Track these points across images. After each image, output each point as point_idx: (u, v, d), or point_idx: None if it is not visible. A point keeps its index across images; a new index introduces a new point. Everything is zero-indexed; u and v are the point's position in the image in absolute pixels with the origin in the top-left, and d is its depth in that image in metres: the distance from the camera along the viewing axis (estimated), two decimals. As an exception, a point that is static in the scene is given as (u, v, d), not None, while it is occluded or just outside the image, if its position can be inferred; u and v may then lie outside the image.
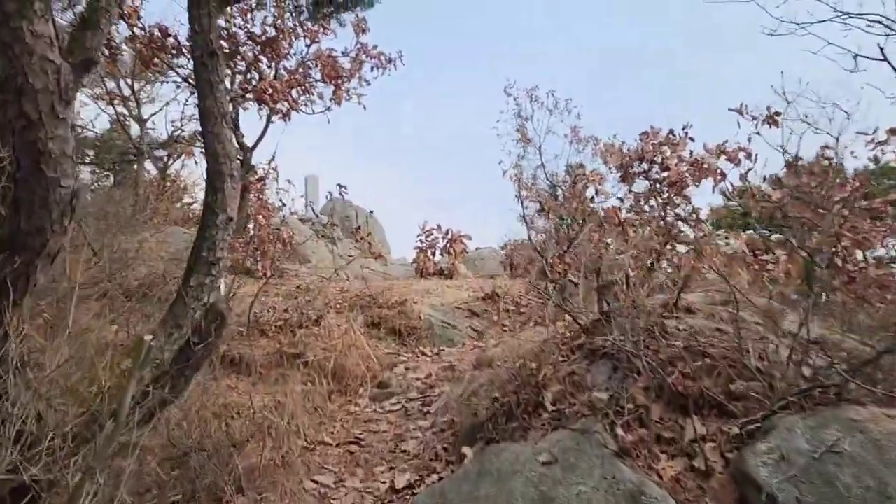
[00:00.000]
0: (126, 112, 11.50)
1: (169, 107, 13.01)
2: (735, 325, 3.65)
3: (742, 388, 3.24)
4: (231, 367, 4.84)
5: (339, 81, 10.04)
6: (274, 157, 15.98)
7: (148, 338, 2.34)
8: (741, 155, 7.04)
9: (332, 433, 4.37)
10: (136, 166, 11.87)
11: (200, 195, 17.21)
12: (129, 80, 10.84)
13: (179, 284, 3.83)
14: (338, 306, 6.29)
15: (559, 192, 17.81)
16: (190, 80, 8.92)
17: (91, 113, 14.22)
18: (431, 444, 3.94)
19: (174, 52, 8.03)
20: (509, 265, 11.77)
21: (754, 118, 6.33)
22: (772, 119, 5.93)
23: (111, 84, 10.66)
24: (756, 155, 6.75)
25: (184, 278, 3.83)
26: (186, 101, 12.35)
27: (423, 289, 8.26)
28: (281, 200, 16.96)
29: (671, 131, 8.56)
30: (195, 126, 16.41)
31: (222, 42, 8.42)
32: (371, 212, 16.06)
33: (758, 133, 6.07)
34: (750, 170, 6.85)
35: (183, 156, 13.70)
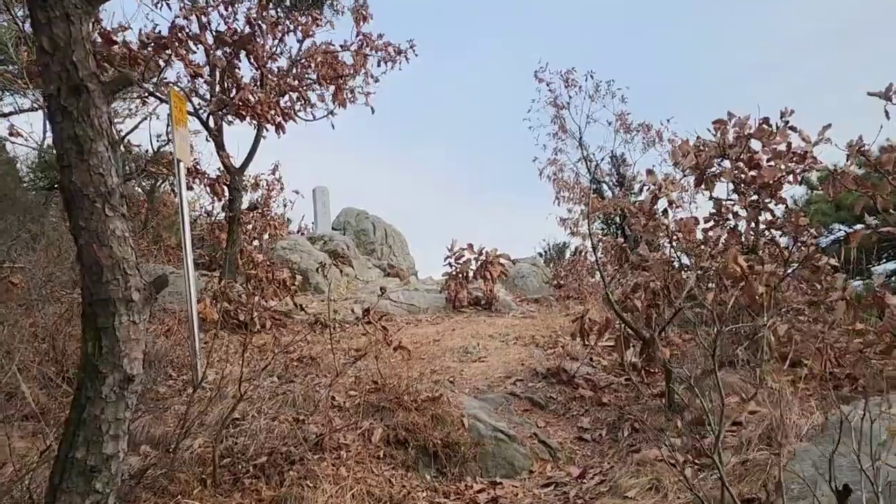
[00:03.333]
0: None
1: (151, 121, 11.37)
2: None
3: None
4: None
5: (341, 81, 8.26)
6: (277, 168, 14.63)
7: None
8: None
9: None
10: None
11: (195, 213, 15.64)
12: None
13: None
14: (347, 402, 4.63)
15: (605, 189, 15.90)
16: (155, 95, 7.22)
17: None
18: None
19: (123, 62, 6.35)
20: (556, 285, 9.97)
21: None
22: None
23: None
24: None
25: (47, 495, 2.14)
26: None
27: (457, 342, 6.52)
28: (287, 218, 15.49)
29: (765, 120, 6.63)
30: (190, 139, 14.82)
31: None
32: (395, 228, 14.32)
33: None
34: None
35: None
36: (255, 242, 13.65)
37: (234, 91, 6.96)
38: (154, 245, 11.93)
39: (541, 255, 14.59)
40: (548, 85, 13.99)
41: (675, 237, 6.26)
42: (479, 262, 9.17)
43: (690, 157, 6.75)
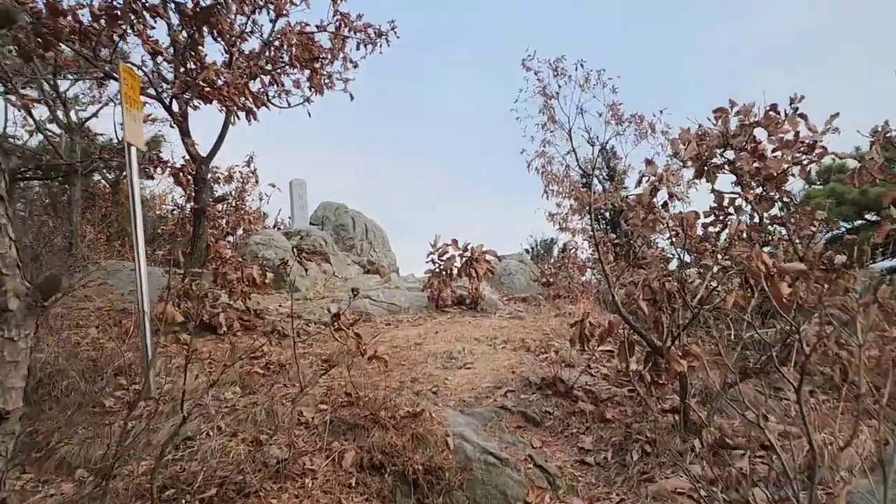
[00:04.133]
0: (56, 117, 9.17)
1: (115, 107, 10.65)
2: None
3: None
4: None
5: (317, 64, 7.67)
6: (252, 160, 13.97)
7: None
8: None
9: None
10: (74, 184, 9.52)
11: (167, 207, 14.95)
12: (50, 79, 8.47)
13: None
14: (316, 417, 4.07)
15: (596, 182, 15.39)
16: (104, 72, 6.53)
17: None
18: None
19: (73, 38, 5.71)
20: (545, 283, 9.48)
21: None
22: None
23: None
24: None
25: None
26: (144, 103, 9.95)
27: (441, 345, 5.99)
28: (262, 212, 14.84)
29: (773, 107, 6.16)
30: (153, 129, 14.07)
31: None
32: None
33: None
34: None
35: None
36: (229, 238, 13.06)
37: (198, 70, 6.33)
38: (117, 240, 11.25)
39: (528, 251, 14.09)
40: (536, 74, 13.47)
41: (675, 232, 5.78)
42: (463, 259, 8.64)
43: (692, 147, 6.26)
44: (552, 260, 10.59)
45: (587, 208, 12.93)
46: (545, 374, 4.64)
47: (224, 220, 12.85)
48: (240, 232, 12.77)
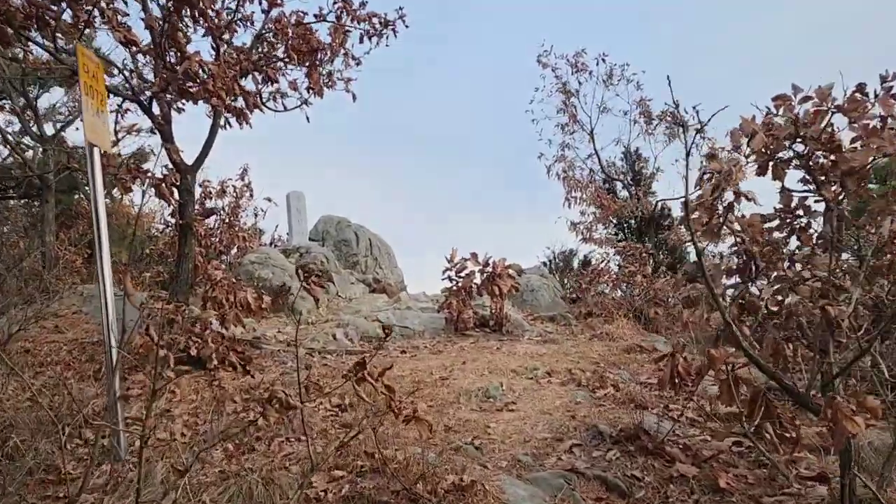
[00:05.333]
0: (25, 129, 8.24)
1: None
2: None
3: None
4: None
5: (315, 59, 6.78)
6: (246, 172, 13.04)
7: None
8: None
9: None
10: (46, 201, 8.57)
11: (159, 226, 13.99)
12: (15, 84, 7.55)
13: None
14: (330, 489, 3.12)
15: (621, 187, 14.40)
16: (56, 59, 5.58)
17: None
18: None
19: (29, 24, 4.80)
20: (573, 300, 8.53)
21: None
22: None
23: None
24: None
25: None
26: (120, 105, 8.99)
27: (472, 379, 5.04)
28: (258, 229, 13.89)
29: (860, 87, 5.28)
30: (141, 140, 13.15)
31: None
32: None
33: None
34: None
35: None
36: (224, 257, 12.10)
37: (179, 63, 5.42)
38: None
39: (545, 264, 13.12)
40: (553, 70, 12.52)
41: (741, 239, 4.84)
42: (484, 275, 7.70)
43: (759, 138, 5.32)
44: (580, 274, 9.62)
45: (614, 216, 12.02)
46: (614, 419, 3.68)
47: (217, 239, 11.90)
48: (234, 251, 11.81)
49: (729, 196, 5.28)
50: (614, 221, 12.93)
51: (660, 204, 12.62)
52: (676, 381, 3.17)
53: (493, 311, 7.48)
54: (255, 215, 13.23)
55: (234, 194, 12.50)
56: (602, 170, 12.51)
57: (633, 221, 12.39)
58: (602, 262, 9.58)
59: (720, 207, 5.13)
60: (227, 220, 12.41)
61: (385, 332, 2.91)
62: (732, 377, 3.14)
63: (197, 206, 11.95)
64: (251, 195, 12.62)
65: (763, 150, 5.44)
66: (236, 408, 4.63)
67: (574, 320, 7.95)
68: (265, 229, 14.09)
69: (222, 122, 7.16)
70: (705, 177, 5.48)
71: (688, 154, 3.59)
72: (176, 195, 6.76)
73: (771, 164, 5.57)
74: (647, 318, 7.63)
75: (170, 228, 12.76)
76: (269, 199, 12.71)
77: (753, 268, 4.54)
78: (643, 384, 4.58)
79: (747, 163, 5.80)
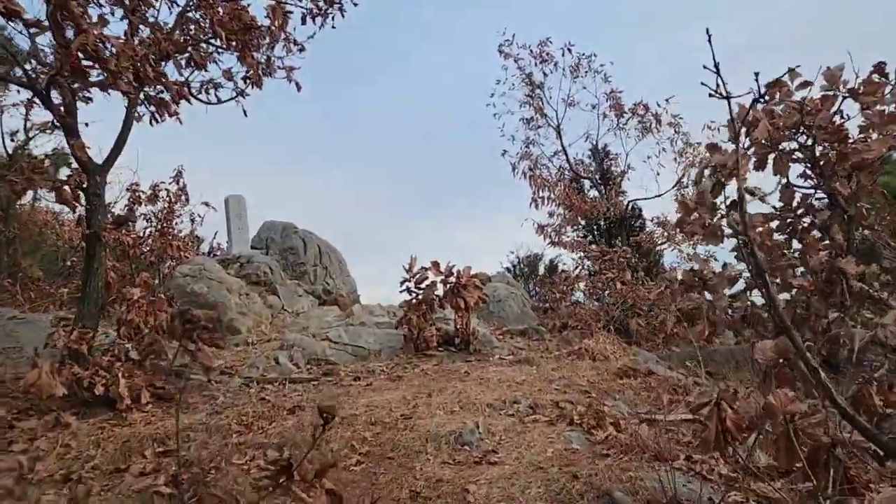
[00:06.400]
0: None
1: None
2: None
3: None
4: None
5: (249, 39, 5.85)
6: (181, 175, 11.86)
7: None
8: None
9: None
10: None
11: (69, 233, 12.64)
12: None
13: None
14: None
15: (589, 186, 13.76)
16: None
17: None
18: None
19: None
20: (543, 309, 7.79)
21: None
22: None
23: None
24: None
25: None
26: (31, 99, 7.78)
27: (440, 418, 4.20)
28: (196, 237, 12.73)
29: (879, 68, 4.76)
30: (55, 139, 11.87)
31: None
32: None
33: None
34: None
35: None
36: (157, 269, 10.91)
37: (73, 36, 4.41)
38: (9, 278, 9.02)
39: (509, 270, 12.37)
40: (516, 61, 11.78)
41: (744, 241, 4.13)
42: (447, 286, 6.88)
43: (762, 127, 4.64)
44: (551, 281, 8.87)
45: (583, 217, 11.30)
46: (630, 479, 2.90)
47: (148, 249, 10.70)
48: (167, 264, 10.63)
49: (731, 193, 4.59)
50: (583, 223, 12.27)
51: (631, 204, 12.09)
52: (728, 438, 2.40)
53: (459, 326, 6.67)
54: (192, 221, 12.09)
55: (168, 199, 11.33)
56: (570, 167, 11.85)
57: (602, 223, 11.79)
58: (576, 267, 8.92)
59: (722, 206, 4.43)
60: (159, 228, 11.24)
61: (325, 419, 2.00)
62: (793, 429, 2.40)
63: (132, 211, 10.77)
64: (187, 199, 11.47)
65: (764, 141, 4.80)
66: (144, 467, 3.65)
67: (548, 334, 7.21)
68: (204, 237, 12.95)
69: (145, 116, 6.14)
70: (706, 171, 4.76)
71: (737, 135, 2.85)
72: (83, 199, 5.71)
73: (771, 156, 4.94)
74: (628, 329, 6.96)
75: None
76: (207, 204, 11.53)
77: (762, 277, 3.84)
78: (648, 421, 3.82)
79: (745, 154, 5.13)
